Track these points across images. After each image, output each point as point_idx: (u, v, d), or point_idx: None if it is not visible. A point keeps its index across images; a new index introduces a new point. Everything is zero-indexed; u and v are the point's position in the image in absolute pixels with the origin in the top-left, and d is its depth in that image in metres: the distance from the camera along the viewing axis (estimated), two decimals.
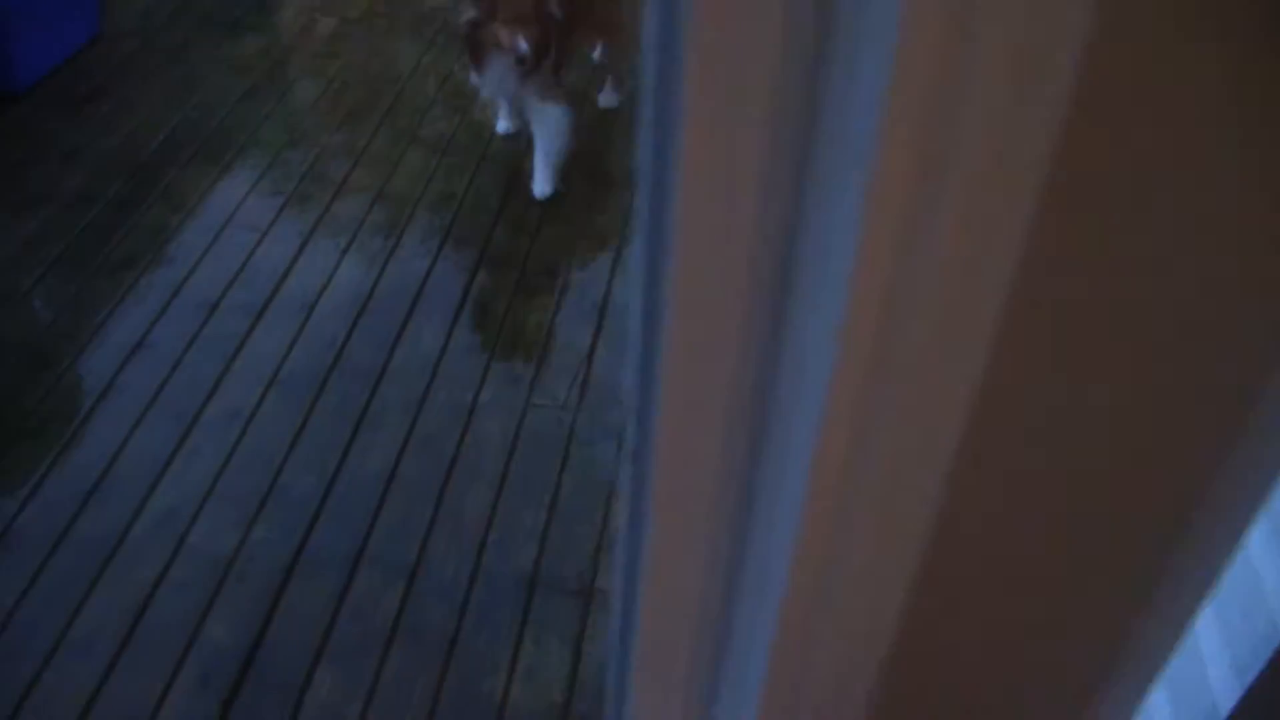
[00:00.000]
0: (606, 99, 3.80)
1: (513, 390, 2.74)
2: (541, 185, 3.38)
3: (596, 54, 3.84)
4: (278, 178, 3.42)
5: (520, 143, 3.55)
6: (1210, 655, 1.26)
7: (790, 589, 0.46)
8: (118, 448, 2.55)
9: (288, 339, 2.85)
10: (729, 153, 0.37)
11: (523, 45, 3.02)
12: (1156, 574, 0.48)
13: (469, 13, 3.15)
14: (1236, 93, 0.32)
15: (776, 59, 0.34)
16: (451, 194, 3.39)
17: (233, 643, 2.17)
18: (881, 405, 0.40)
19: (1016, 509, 0.46)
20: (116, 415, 2.63)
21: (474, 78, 3.34)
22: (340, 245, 3.17)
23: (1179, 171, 0.34)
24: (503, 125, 3.68)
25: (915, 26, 0.31)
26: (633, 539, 0.49)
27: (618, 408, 2.71)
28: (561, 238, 3.25)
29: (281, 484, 2.48)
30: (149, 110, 3.69)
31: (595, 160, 3.57)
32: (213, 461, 2.52)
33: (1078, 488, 0.46)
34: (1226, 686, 1.22)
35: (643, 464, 0.45)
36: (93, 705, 2.06)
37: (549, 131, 3.34)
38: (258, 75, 3.92)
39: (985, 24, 0.31)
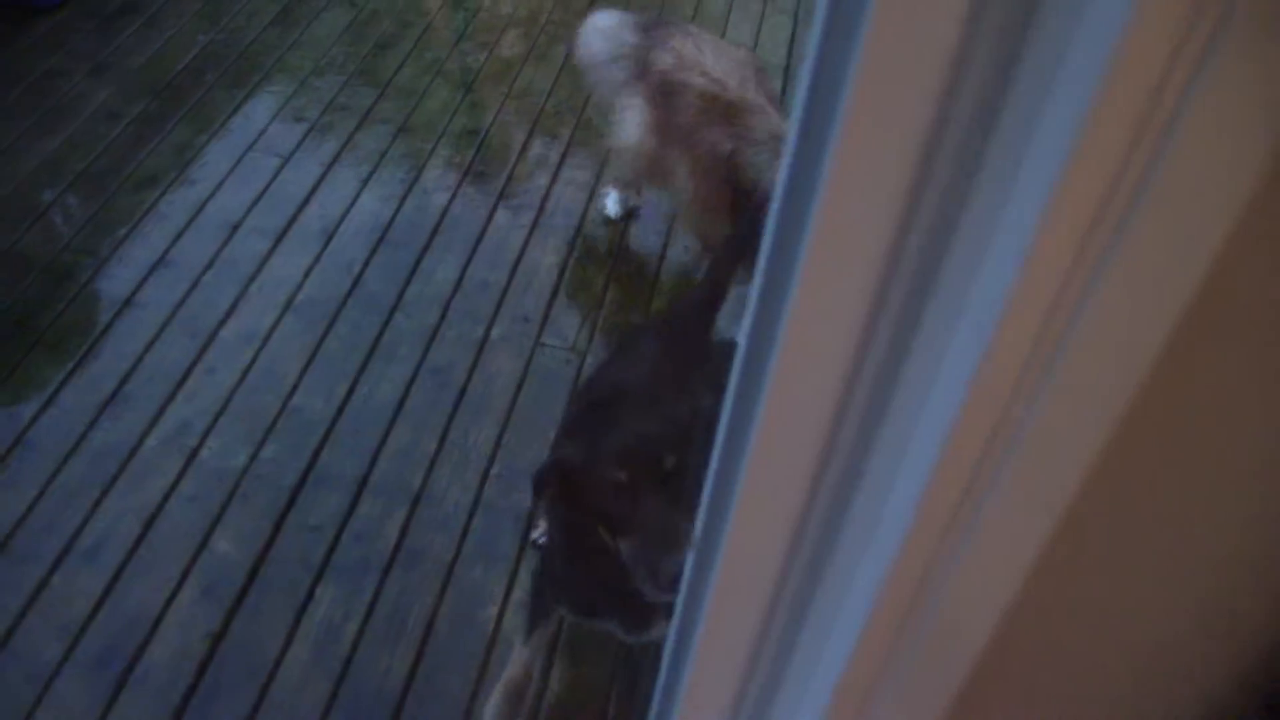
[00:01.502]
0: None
1: (523, 329, 2.77)
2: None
3: None
4: (303, 104, 3.43)
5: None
6: None
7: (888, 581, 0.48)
8: (134, 362, 2.59)
9: (306, 265, 2.88)
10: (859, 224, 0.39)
11: None
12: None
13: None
14: None
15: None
16: (475, 130, 3.40)
17: (238, 555, 2.22)
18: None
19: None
20: (134, 330, 2.67)
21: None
22: (362, 175, 3.19)
23: None
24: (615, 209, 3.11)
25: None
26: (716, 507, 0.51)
27: None
28: (583, 181, 3.25)
29: (293, 406, 2.52)
30: (178, 30, 3.70)
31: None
32: (227, 380, 2.56)
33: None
34: None
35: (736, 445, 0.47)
36: (100, 609, 2.12)
37: None
38: (288, 0, 3.92)
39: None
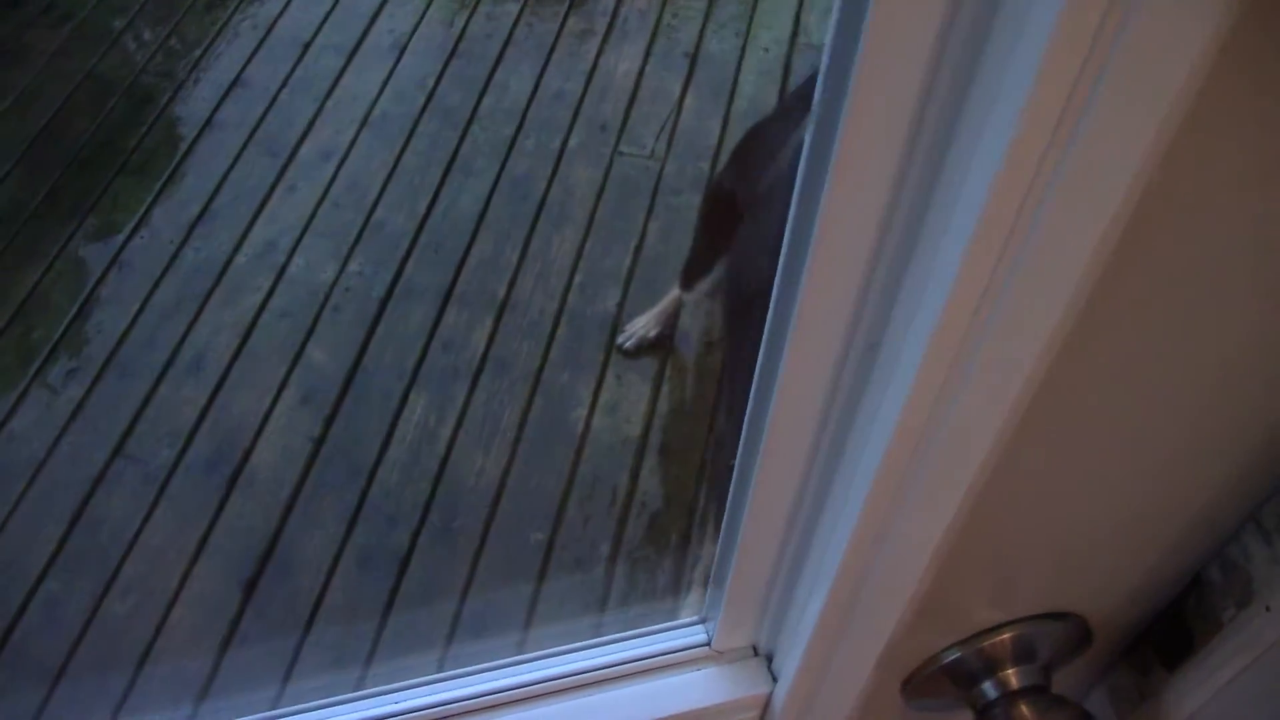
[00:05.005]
0: None
1: (601, 138, 2.73)
2: None
3: None
4: None
5: None
6: None
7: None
8: (218, 182, 2.62)
9: (379, 80, 2.85)
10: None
11: None
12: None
13: None
14: None
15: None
16: None
17: (332, 366, 2.28)
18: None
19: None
20: (216, 151, 2.69)
21: None
22: None
23: None
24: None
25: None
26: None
27: (706, 158, 2.69)
28: None
29: (375, 221, 2.54)
30: None
31: None
32: (309, 197, 2.58)
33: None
34: None
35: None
36: (205, 417, 2.21)
37: None
38: None
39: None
